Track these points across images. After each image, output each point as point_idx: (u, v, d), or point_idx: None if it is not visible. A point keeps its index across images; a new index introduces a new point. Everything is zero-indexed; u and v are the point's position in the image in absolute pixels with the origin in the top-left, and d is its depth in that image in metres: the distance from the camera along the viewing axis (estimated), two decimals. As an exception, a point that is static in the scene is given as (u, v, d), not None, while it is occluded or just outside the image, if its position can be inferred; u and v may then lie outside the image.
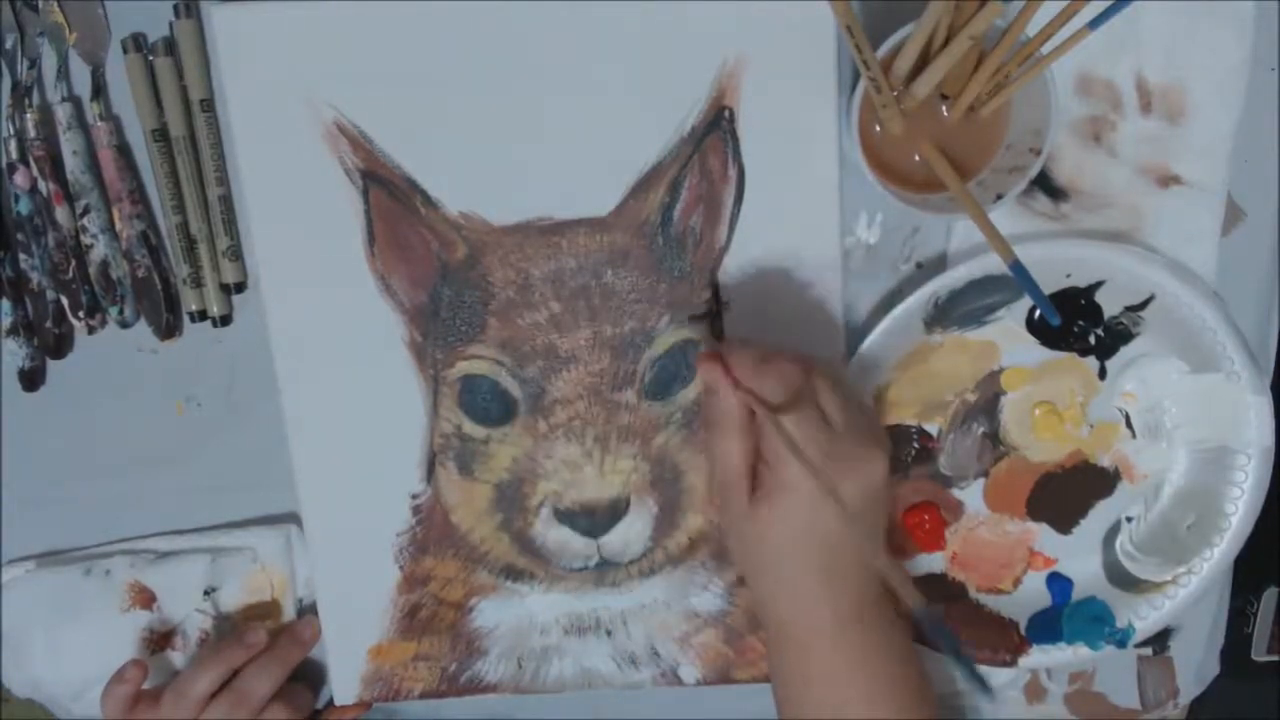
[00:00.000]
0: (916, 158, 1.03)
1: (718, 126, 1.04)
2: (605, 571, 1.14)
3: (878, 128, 1.01)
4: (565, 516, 1.12)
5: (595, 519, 1.12)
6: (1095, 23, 0.90)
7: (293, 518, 1.16)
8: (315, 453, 1.12)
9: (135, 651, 1.16)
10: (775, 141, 1.05)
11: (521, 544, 1.13)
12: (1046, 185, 1.09)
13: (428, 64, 1.04)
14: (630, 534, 1.12)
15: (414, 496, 1.12)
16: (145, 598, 1.16)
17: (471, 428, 1.10)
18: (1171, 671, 1.21)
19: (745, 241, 1.07)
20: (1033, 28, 0.94)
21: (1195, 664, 1.21)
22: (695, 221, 1.06)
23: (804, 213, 1.07)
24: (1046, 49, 0.94)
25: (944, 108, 1.02)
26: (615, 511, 1.12)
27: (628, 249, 1.07)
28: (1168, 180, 1.09)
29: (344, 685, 1.17)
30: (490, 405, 1.10)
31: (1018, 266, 0.94)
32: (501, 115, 1.05)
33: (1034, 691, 1.21)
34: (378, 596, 1.14)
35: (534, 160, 1.06)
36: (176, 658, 1.18)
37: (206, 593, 1.16)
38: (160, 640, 1.17)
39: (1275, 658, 1.54)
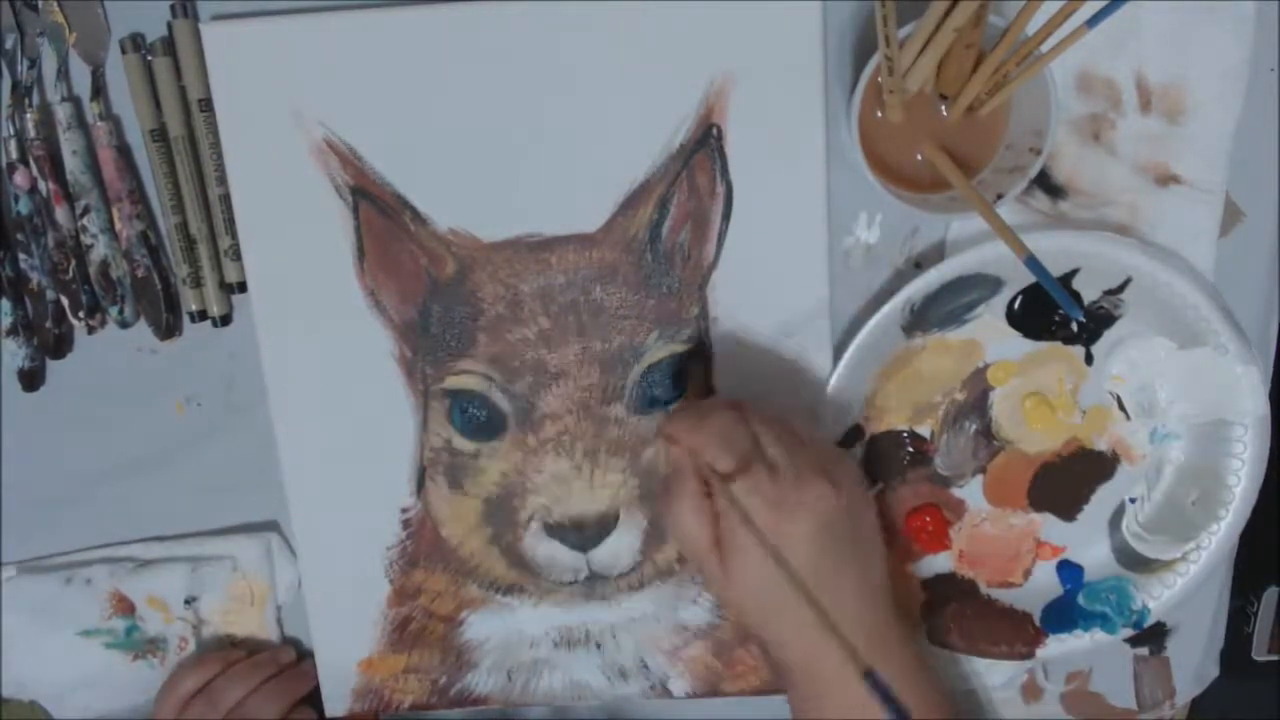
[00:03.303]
0: (919, 157, 1.06)
1: (706, 144, 1.07)
2: (595, 585, 1.17)
3: (879, 113, 1.04)
4: (555, 530, 1.15)
5: (584, 533, 1.15)
6: (1093, 21, 0.92)
7: (273, 525, 1.20)
8: (306, 467, 1.15)
9: (116, 660, 1.21)
10: (763, 159, 1.08)
11: (511, 558, 1.16)
12: (1045, 183, 1.11)
13: (417, 81, 1.07)
14: (619, 548, 1.16)
15: (404, 510, 1.16)
16: (126, 606, 1.20)
17: (461, 442, 1.14)
18: (1168, 672, 1.24)
19: (733, 258, 1.10)
20: (1032, 27, 0.96)
21: (1193, 664, 1.24)
22: (683, 238, 1.10)
23: (791, 229, 1.10)
24: (1045, 47, 0.96)
25: (943, 108, 1.05)
26: (604, 525, 1.15)
27: (616, 265, 1.10)
28: (1167, 179, 1.11)
29: (334, 698, 1.20)
30: (480, 420, 1.13)
31: (1032, 261, 0.97)
32: (490, 133, 1.08)
33: (1031, 691, 1.24)
34: (368, 610, 1.18)
35: (523, 177, 1.09)
36: (156, 664, 1.22)
37: (187, 602, 1.20)
38: (141, 647, 1.22)
39: (1275, 658, 1.54)
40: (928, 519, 1.19)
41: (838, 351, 1.13)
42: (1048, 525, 1.20)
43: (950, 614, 1.19)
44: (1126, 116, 1.11)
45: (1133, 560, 1.19)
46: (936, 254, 1.13)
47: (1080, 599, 1.19)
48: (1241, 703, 1.47)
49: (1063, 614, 1.19)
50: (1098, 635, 1.18)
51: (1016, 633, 1.19)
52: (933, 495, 1.20)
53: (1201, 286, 1.10)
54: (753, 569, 0.96)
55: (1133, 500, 1.19)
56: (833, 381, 1.12)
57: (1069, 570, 1.20)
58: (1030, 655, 1.19)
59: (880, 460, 1.18)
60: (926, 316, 1.12)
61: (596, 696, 1.21)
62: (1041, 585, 1.21)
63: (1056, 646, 1.19)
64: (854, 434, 1.16)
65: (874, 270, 1.14)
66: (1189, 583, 1.17)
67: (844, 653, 0.90)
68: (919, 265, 1.14)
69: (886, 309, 1.10)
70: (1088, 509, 1.20)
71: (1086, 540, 1.20)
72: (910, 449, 1.18)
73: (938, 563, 1.21)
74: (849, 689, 0.97)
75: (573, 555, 1.16)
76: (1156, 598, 1.17)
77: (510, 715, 1.24)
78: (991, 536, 1.20)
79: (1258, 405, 1.13)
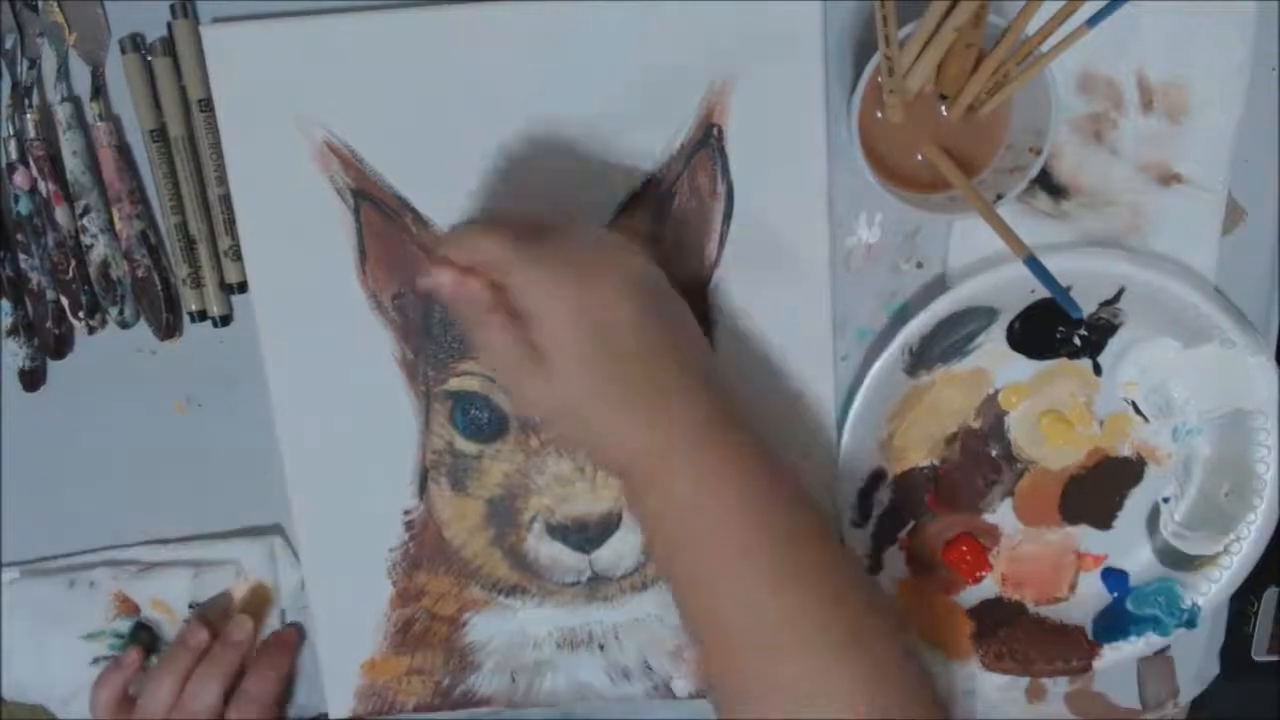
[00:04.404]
0: (919, 158, 1.06)
1: (707, 144, 1.08)
2: (597, 586, 1.18)
3: (879, 114, 1.04)
4: (557, 531, 1.16)
5: (587, 534, 1.16)
6: (1094, 20, 0.93)
7: (277, 529, 1.20)
8: (308, 469, 1.15)
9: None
10: (764, 159, 1.08)
11: (514, 559, 1.17)
12: (1047, 183, 1.12)
13: (418, 84, 1.07)
14: (622, 548, 1.16)
15: (406, 512, 1.16)
16: (130, 606, 1.20)
17: (463, 444, 1.14)
18: (1171, 671, 1.24)
19: (734, 257, 1.10)
20: (1032, 27, 0.97)
21: (1195, 663, 1.25)
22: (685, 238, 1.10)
23: (792, 229, 1.10)
24: (1045, 47, 0.97)
25: (943, 108, 1.05)
26: (607, 526, 1.16)
27: (618, 266, 1.11)
28: (1169, 179, 1.12)
29: (338, 700, 1.20)
30: (482, 421, 1.13)
31: (1032, 261, 0.97)
32: (491, 134, 1.08)
33: (1034, 691, 1.24)
34: (371, 611, 1.18)
35: (524, 179, 1.08)
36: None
37: (191, 606, 1.20)
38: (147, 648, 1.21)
39: (1275, 658, 1.54)
40: (964, 549, 1.20)
41: (845, 398, 1.15)
42: (1085, 536, 1.21)
43: (1003, 638, 1.20)
44: (1128, 116, 1.11)
45: (1176, 560, 1.20)
46: (937, 259, 1.14)
47: (1129, 604, 1.20)
48: (1241, 703, 1.47)
49: (1114, 622, 1.20)
50: (1151, 639, 1.19)
51: (1071, 647, 1.20)
52: (965, 525, 1.20)
53: (1197, 285, 1.11)
54: (573, 350, 0.92)
55: (1166, 500, 1.20)
56: (845, 436, 1.14)
57: (1114, 577, 1.21)
58: (1088, 668, 1.20)
59: (908, 499, 1.19)
60: (927, 355, 1.14)
61: (600, 697, 1.21)
62: (1089, 596, 1.22)
63: (1112, 654, 1.20)
64: (877, 478, 1.17)
65: (875, 270, 1.15)
66: (1234, 575, 1.18)
67: (693, 398, 0.92)
68: (920, 266, 1.15)
69: (885, 356, 1.11)
70: (1122, 515, 1.21)
71: (1127, 546, 1.21)
72: (935, 483, 1.19)
73: (983, 589, 1.21)
74: (699, 451, 0.95)
75: (575, 556, 1.17)
76: (1205, 594, 1.19)
77: (513, 717, 1.25)
78: (1031, 556, 1.21)
79: (1274, 392, 1.14)
